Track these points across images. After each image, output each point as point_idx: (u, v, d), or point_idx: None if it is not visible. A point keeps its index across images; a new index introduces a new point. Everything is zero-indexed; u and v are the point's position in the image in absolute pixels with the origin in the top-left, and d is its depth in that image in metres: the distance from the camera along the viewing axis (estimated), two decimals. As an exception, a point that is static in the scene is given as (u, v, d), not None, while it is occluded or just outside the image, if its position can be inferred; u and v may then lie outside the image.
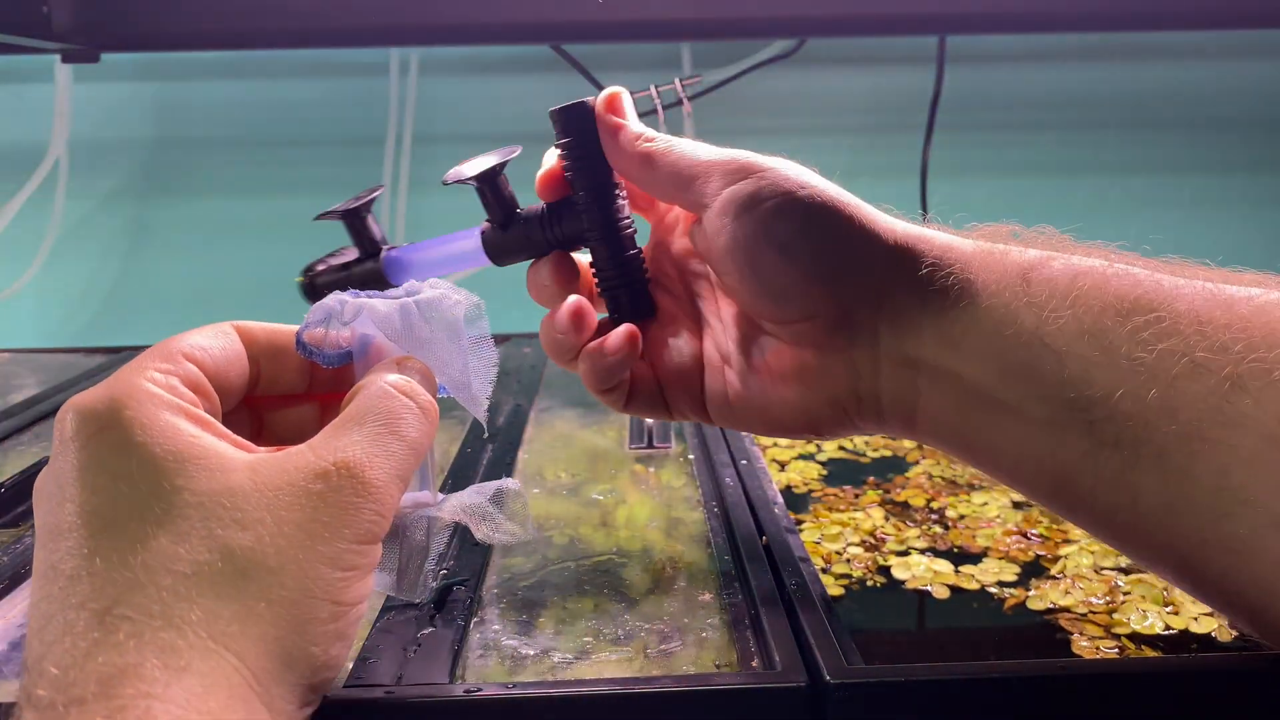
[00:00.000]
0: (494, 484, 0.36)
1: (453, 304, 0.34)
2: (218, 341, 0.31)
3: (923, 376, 0.36)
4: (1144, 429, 0.30)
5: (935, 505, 0.54)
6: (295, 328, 0.34)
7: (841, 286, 0.36)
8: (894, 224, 0.37)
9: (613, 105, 0.40)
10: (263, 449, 0.29)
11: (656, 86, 0.83)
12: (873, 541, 0.50)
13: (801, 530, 0.50)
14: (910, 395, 0.36)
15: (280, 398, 0.35)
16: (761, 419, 0.40)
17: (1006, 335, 0.33)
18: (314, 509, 0.27)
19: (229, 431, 0.29)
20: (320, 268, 0.48)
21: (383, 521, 0.29)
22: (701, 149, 0.39)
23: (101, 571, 0.25)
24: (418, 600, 0.39)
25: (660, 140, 0.40)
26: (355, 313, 0.34)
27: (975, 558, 0.48)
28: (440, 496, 0.36)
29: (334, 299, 0.34)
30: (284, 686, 0.26)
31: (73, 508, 0.26)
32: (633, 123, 0.41)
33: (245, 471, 0.27)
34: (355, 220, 0.46)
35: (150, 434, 0.27)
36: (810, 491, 0.56)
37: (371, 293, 0.34)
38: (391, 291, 0.35)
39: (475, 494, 0.35)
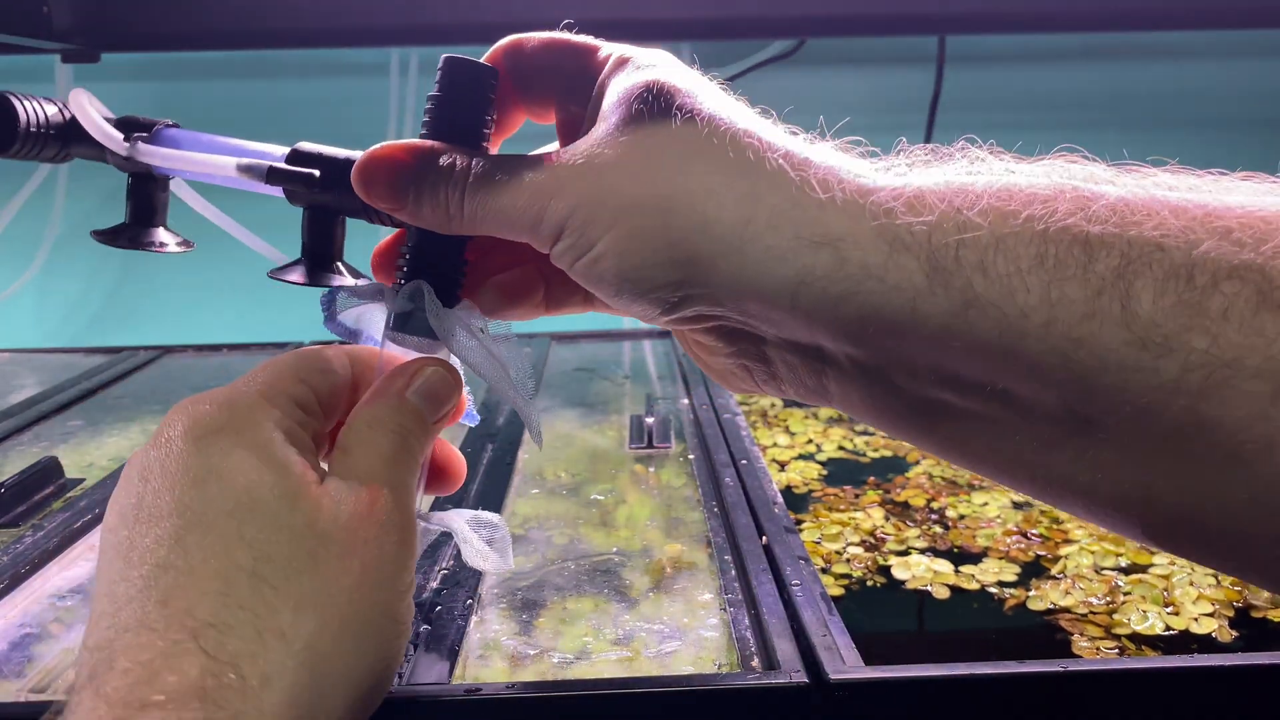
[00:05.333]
0: (477, 513, 0.35)
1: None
2: (328, 364, 0.32)
3: (829, 364, 0.30)
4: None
5: (935, 505, 0.54)
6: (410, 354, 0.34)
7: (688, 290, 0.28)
8: (730, 203, 0.28)
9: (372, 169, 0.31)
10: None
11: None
12: (873, 541, 0.50)
13: (801, 530, 0.50)
14: (816, 375, 0.30)
15: None
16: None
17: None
18: (380, 544, 0.28)
19: (318, 456, 0.30)
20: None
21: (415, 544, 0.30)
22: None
23: (186, 569, 0.25)
24: None
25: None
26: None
27: (975, 558, 0.48)
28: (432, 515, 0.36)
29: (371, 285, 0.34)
30: (344, 695, 0.27)
31: (170, 498, 0.27)
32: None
33: (331, 497, 0.28)
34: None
35: (255, 445, 0.28)
36: (810, 491, 0.56)
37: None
38: None
39: (459, 518, 0.35)
